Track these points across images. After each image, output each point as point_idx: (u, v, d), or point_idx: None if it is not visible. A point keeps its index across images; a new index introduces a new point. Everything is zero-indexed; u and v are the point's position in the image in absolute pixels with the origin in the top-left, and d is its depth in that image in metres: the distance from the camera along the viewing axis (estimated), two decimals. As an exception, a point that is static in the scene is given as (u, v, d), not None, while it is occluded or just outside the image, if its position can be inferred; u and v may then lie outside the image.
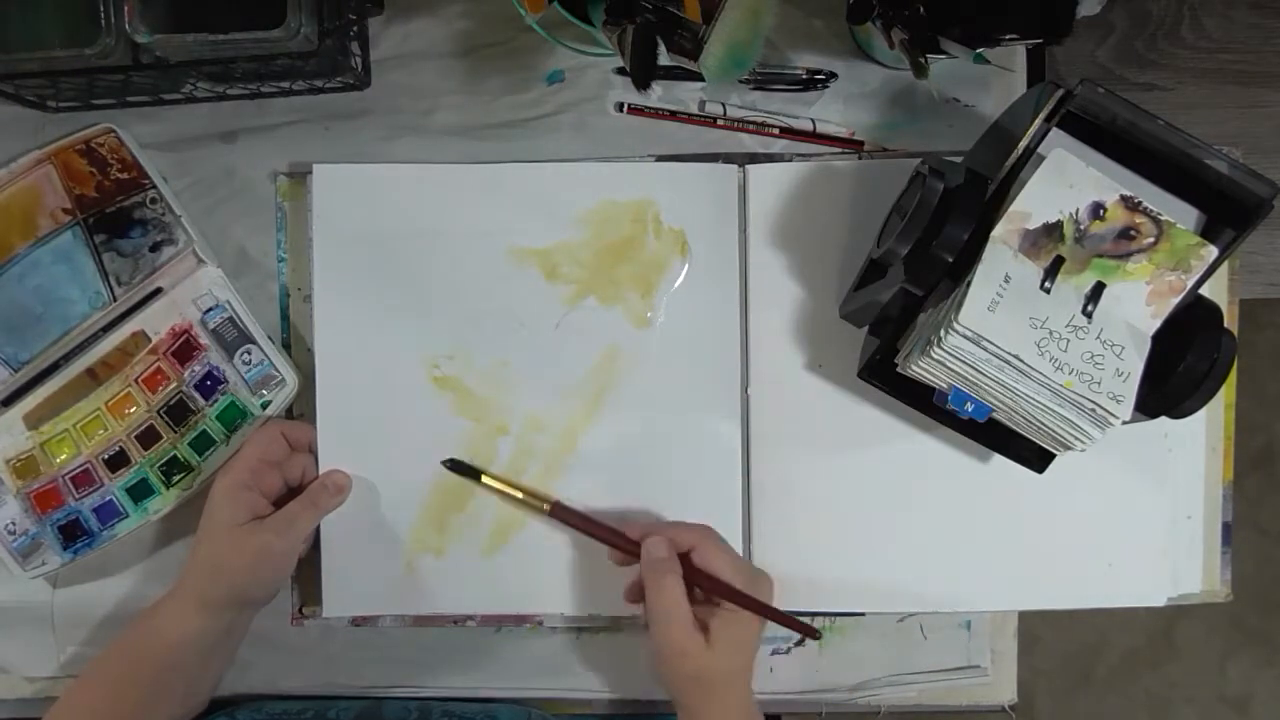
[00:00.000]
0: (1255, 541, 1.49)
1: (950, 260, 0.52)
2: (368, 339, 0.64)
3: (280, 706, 0.63)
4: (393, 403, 0.64)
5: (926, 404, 0.56)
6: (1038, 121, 0.52)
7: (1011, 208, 0.51)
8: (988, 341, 0.50)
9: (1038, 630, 1.50)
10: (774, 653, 0.67)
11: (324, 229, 0.64)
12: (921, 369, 0.53)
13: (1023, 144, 0.52)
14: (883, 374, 0.58)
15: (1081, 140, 0.53)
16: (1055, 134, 0.53)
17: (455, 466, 0.63)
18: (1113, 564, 0.64)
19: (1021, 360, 0.50)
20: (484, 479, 0.63)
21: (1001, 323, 0.50)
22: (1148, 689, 1.51)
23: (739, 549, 0.64)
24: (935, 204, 0.52)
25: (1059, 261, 0.52)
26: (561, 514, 0.62)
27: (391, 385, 0.64)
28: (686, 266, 0.64)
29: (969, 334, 0.50)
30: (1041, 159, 0.51)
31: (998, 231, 0.52)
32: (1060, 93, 0.52)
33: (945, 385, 0.53)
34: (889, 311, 0.57)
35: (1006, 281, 0.51)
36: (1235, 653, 1.51)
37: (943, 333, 0.50)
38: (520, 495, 0.62)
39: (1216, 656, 1.51)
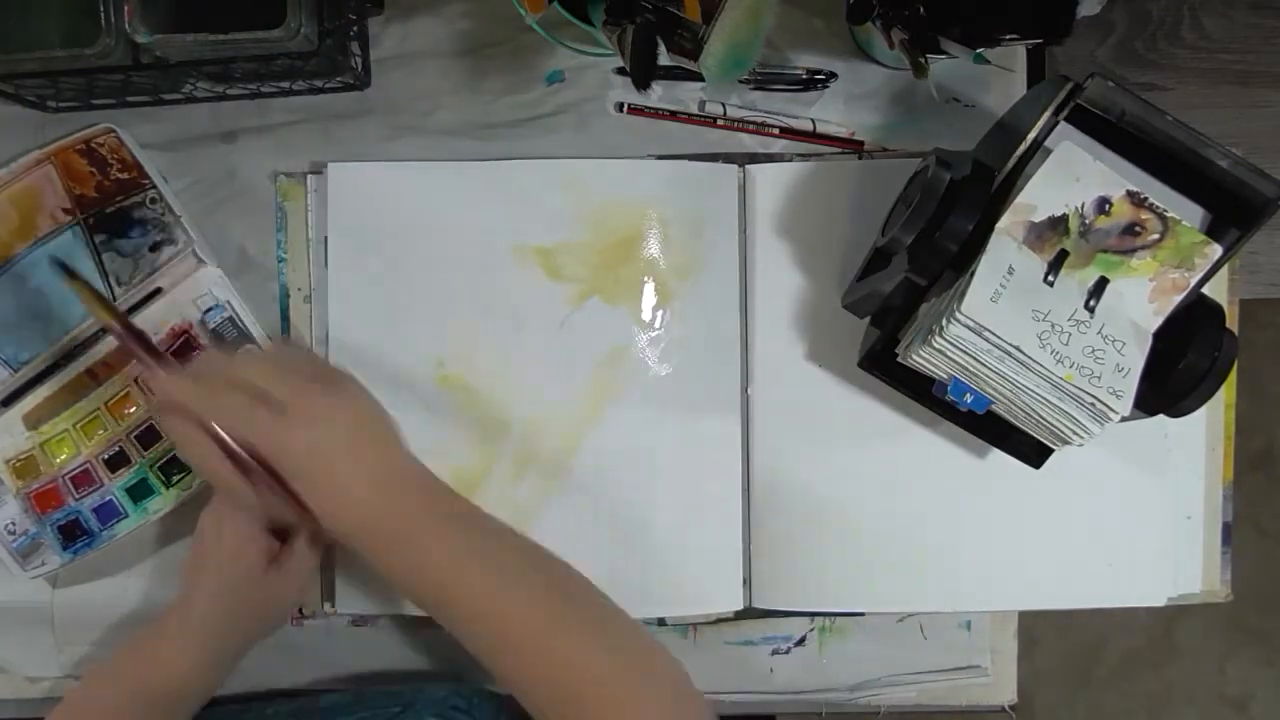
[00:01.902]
0: (1255, 541, 1.49)
1: (954, 250, 0.52)
2: (375, 338, 0.64)
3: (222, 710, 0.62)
4: (396, 401, 0.63)
5: (926, 396, 0.57)
6: (1046, 114, 0.52)
7: (1017, 200, 0.51)
8: (989, 332, 0.50)
9: (1038, 630, 1.50)
10: (774, 653, 0.67)
11: (338, 228, 0.64)
12: (922, 359, 0.53)
13: (1030, 136, 0.53)
14: (883, 364, 0.58)
15: (1089, 136, 0.53)
16: (1063, 128, 0.53)
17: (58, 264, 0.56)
18: (1113, 564, 0.64)
19: (1022, 352, 0.50)
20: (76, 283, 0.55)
21: (1004, 314, 0.50)
22: (1148, 689, 1.51)
23: (739, 549, 0.64)
24: (941, 193, 0.52)
25: (1063, 255, 0.52)
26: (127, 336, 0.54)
27: (398, 384, 0.64)
28: (688, 267, 0.64)
29: (971, 324, 0.50)
30: (1049, 152, 0.52)
31: (1003, 223, 0.52)
32: (1070, 85, 0.52)
33: (945, 376, 0.53)
34: (891, 301, 0.57)
35: (1010, 273, 0.51)
36: (1235, 653, 1.51)
37: (945, 322, 0.51)
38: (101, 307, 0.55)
39: (1216, 656, 1.51)
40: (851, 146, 0.66)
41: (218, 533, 0.57)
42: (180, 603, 0.57)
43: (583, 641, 0.51)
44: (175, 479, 0.63)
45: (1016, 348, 0.50)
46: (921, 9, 0.55)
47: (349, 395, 0.54)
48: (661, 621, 0.66)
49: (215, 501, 0.58)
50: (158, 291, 0.63)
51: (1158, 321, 0.52)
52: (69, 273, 0.55)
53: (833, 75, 0.66)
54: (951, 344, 0.51)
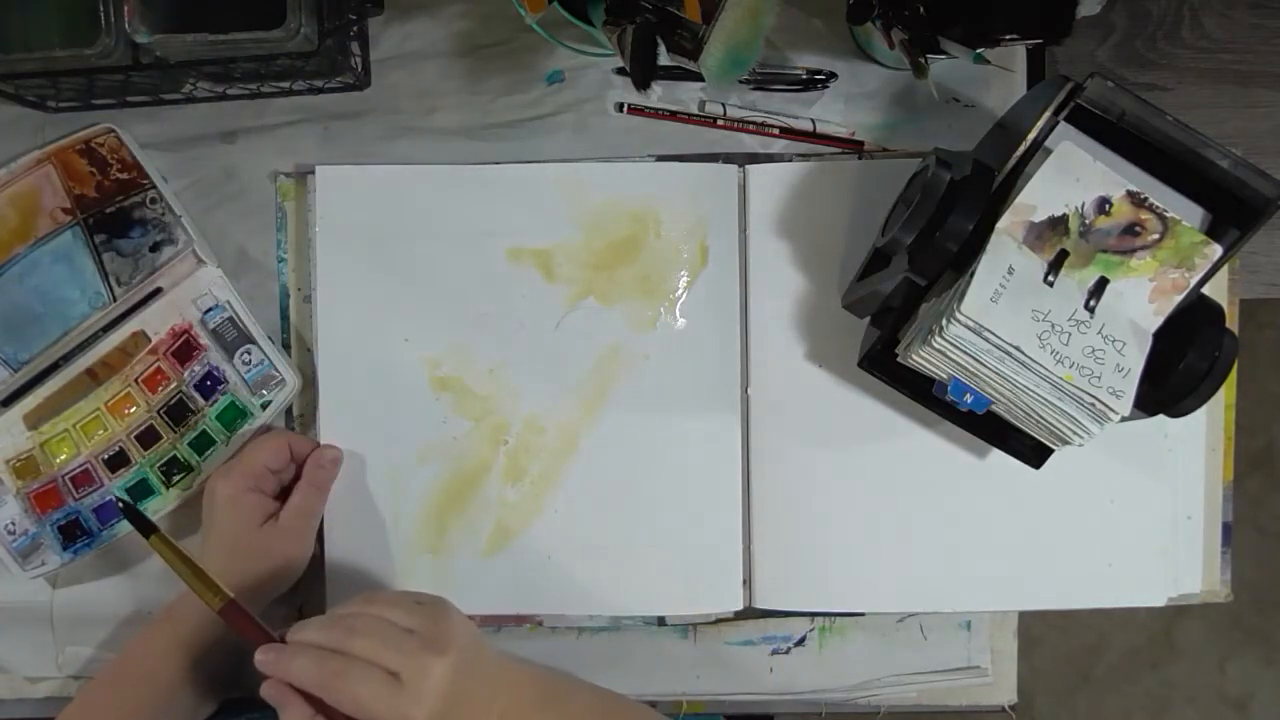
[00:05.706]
0: (1255, 541, 1.49)
1: (954, 250, 0.52)
2: (369, 339, 0.64)
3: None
4: (394, 403, 0.64)
5: (925, 396, 0.57)
6: (1046, 114, 0.52)
7: (1017, 200, 0.52)
8: (989, 332, 0.50)
9: (1038, 630, 1.50)
10: (774, 652, 0.67)
11: (327, 230, 0.64)
12: (922, 359, 0.53)
13: (1030, 136, 0.53)
14: (883, 364, 0.58)
15: (1089, 136, 0.53)
16: (1063, 128, 0.53)
17: (128, 511, 0.55)
18: (1113, 564, 0.64)
19: (1022, 352, 0.50)
20: (153, 539, 0.54)
21: (1003, 314, 0.50)
22: (1148, 689, 1.51)
23: (739, 549, 0.64)
24: (941, 194, 0.52)
25: (1063, 255, 0.52)
26: (232, 614, 0.53)
27: (392, 386, 0.64)
28: (686, 267, 0.64)
29: (971, 324, 0.50)
30: (1049, 152, 0.52)
31: (1003, 223, 0.52)
32: (1070, 85, 0.52)
33: (945, 376, 0.53)
34: (891, 301, 0.57)
35: (1010, 273, 0.51)
36: (1235, 653, 1.51)
37: (945, 322, 0.51)
38: (187, 573, 0.53)
39: (1216, 656, 1.51)
40: (851, 146, 0.66)
41: (212, 491, 0.60)
42: None
43: None
44: (175, 479, 0.63)
45: (1016, 348, 0.50)
46: (921, 9, 0.55)
47: (455, 649, 0.51)
48: (661, 621, 0.66)
49: (220, 469, 0.61)
50: (158, 291, 0.63)
51: (1158, 321, 0.52)
52: (144, 528, 0.54)
53: (833, 75, 0.66)
54: (951, 344, 0.51)
